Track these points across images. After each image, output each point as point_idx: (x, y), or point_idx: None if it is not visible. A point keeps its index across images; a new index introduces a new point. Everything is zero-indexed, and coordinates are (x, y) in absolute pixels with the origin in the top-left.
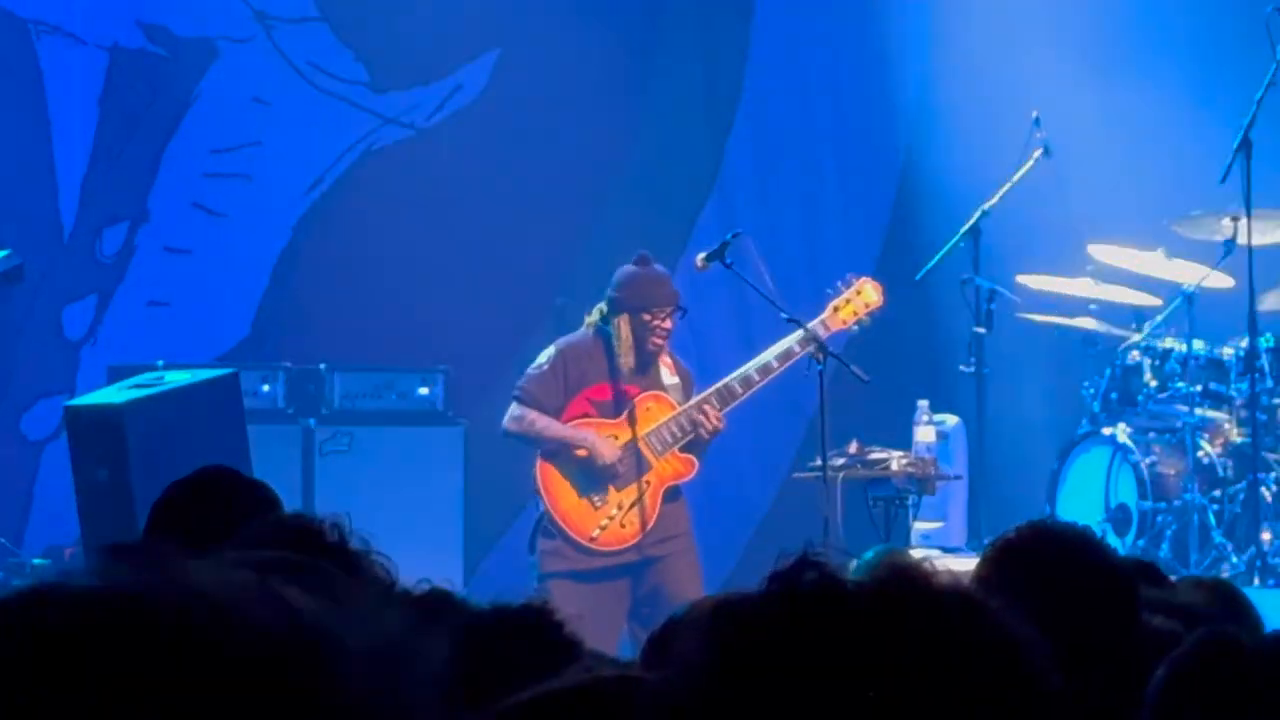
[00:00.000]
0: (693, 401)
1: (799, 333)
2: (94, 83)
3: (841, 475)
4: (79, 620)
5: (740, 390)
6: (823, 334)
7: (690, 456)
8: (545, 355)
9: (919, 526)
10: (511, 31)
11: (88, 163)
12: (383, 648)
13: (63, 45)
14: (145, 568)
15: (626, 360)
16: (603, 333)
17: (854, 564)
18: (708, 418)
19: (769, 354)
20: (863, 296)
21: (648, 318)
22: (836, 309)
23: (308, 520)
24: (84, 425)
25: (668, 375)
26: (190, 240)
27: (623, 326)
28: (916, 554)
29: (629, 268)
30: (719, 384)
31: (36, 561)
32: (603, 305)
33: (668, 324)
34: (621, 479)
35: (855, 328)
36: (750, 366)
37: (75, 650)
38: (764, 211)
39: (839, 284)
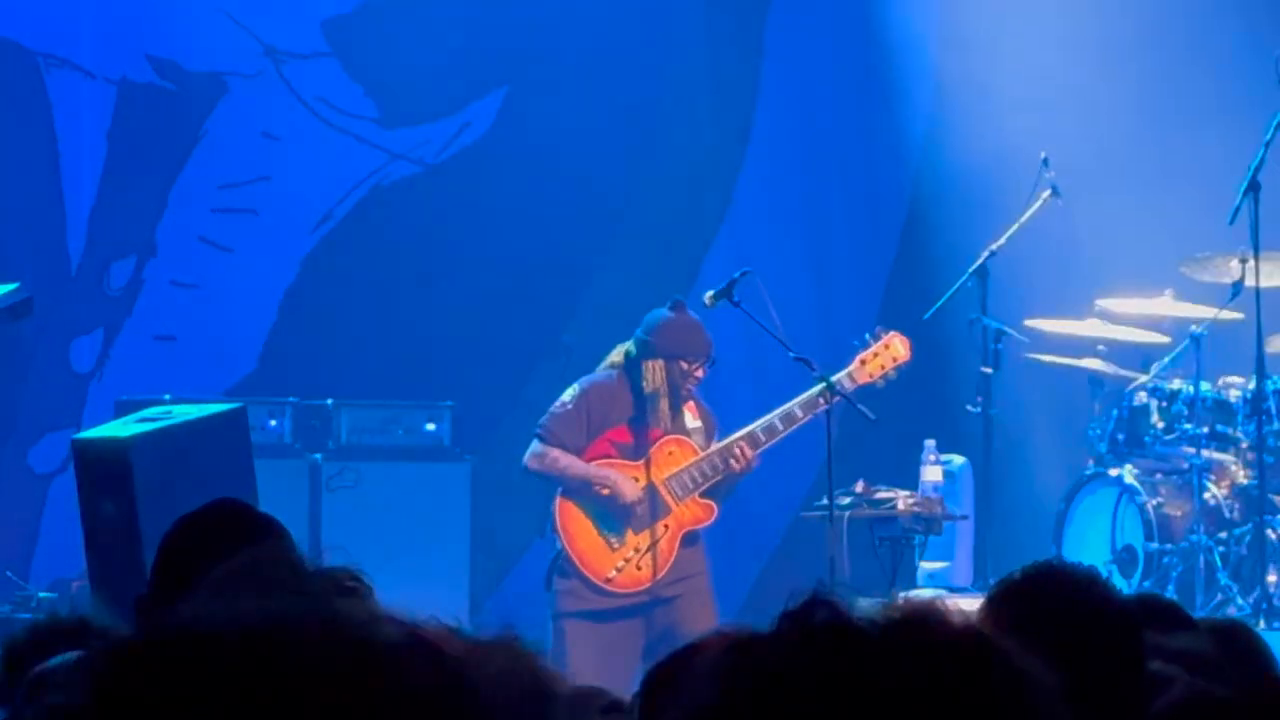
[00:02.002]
0: (719, 445)
1: (821, 386)
2: (102, 116)
3: (848, 515)
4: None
5: (764, 439)
6: (849, 386)
7: (710, 502)
8: (570, 393)
9: (925, 566)
10: (520, 68)
11: (96, 196)
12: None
13: (72, 79)
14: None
15: (663, 404)
16: (630, 375)
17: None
18: (742, 457)
19: (792, 404)
20: (891, 350)
21: (685, 365)
22: (864, 362)
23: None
24: (91, 459)
25: (690, 419)
26: (198, 275)
27: (657, 371)
28: (925, 594)
29: (665, 313)
30: (745, 430)
31: (43, 595)
32: (629, 346)
33: (700, 373)
34: (641, 521)
35: (881, 383)
36: (774, 416)
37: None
38: (771, 250)
39: (867, 336)
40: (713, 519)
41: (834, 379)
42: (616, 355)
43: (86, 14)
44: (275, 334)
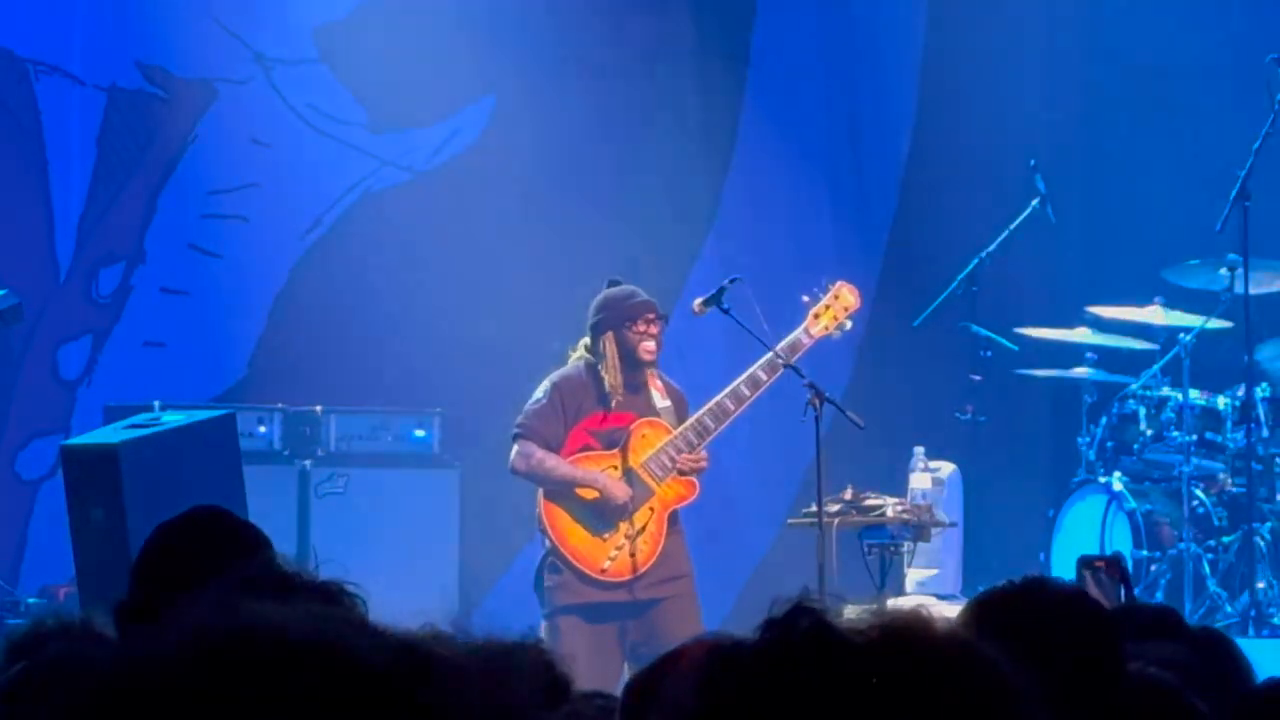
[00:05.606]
0: (689, 421)
1: (769, 355)
2: (91, 123)
3: (836, 522)
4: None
5: (733, 407)
6: (806, 341)
7: (690, 479)
8: (541, 389)
9: (914, 574)
10: (509, 75)
11: (84, 203)
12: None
13: (61, 85)
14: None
15: (614, 378)
16: (592, 364)
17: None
18: (693, 460)
19: (754, 368)
20: (841, 300)
21: (630, 326)
22: (817, 316)
23: (281, 568)
24: (79, 465)
25: (659, 398)
26: (187, 281)
27: (608, 345)
28: (911, 601)
29: (602, 292)
30: (706, 406)
31: (31, 600)
32: (586, 338)
33: (653, 330)
34: (628, 509)
35: (837, 333)
36: (739, 382)
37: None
38: (760, 256)
39: (815, 290)
40: (695, 495)
41: (790, 339)
42: (578, 350)
43: (76, 21)
44: (265, 340)
